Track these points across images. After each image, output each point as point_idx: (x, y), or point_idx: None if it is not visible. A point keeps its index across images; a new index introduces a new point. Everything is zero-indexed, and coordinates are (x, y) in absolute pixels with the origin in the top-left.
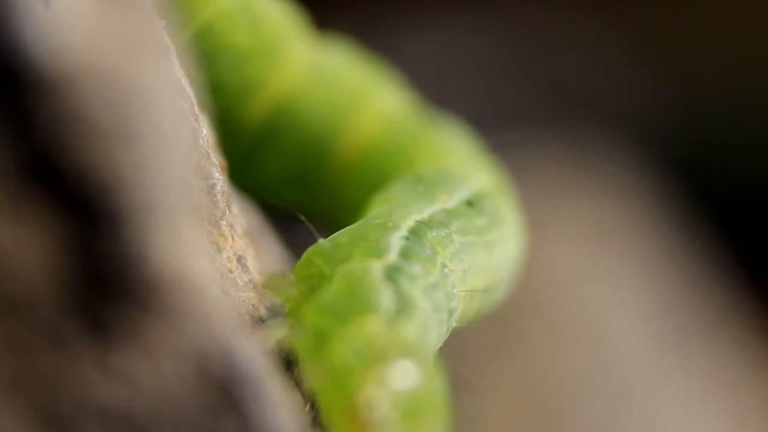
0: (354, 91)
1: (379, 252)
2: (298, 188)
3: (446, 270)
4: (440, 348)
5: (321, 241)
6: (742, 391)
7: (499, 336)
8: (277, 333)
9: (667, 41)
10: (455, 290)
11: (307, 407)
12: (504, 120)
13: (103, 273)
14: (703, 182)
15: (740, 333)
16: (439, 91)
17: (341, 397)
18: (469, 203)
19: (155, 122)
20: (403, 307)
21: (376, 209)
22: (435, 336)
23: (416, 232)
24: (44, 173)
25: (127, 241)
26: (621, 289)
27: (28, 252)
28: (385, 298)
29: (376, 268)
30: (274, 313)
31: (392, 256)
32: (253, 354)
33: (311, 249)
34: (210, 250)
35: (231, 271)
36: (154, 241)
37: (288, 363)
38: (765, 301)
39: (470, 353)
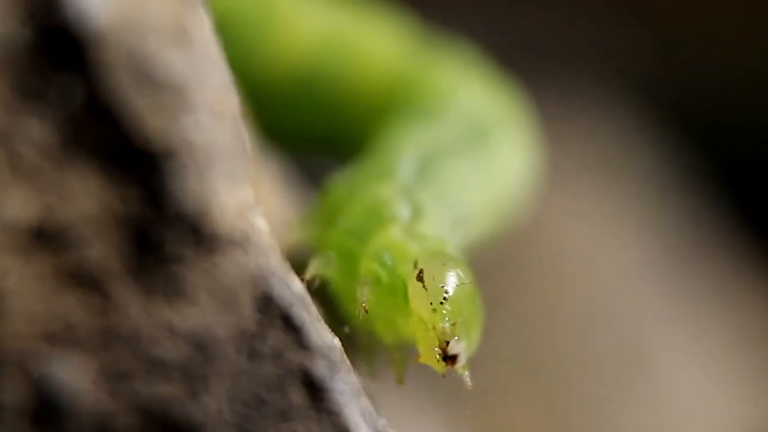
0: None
1: (389, 175)
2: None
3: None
4: None
5: (335, 176)
6: (748, 346)
7: (500, 281)
8: (312, 265)
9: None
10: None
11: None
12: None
13: (165, 209)
14: (702, 135)
15: (745, 280)
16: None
17: (383, 307)
18: (466, 135)
19: (196, 70)
20: (417, 213)
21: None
22: (455, 234)
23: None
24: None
25: (192, 177)
26: (620, 236)
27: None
28: (398, 209)
29: (387, 187)
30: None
31: (401, 177)
32: (299, 284)
33: (327, 186)
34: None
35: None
36: (216, 176)
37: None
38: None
39: None
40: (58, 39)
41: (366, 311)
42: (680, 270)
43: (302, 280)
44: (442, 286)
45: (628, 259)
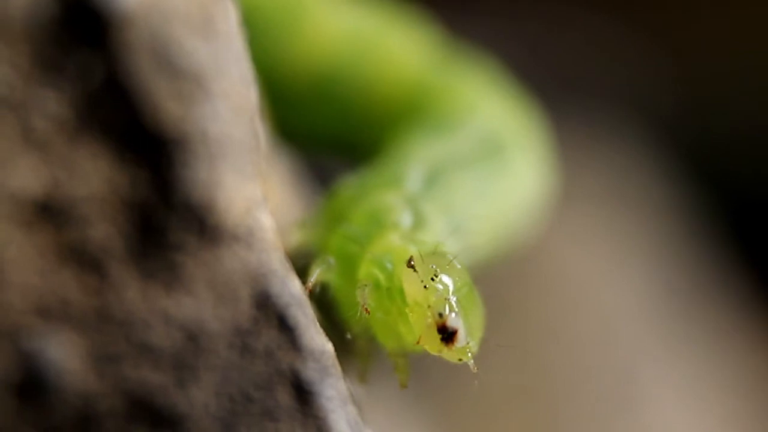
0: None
1: (396, 183)
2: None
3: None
4: None
5: (344, 181)
6: (741, 392)
7: (498, 299)
8: (314, 270)
9: (685, 38)
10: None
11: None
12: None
13: (172, 196)
14: (716, 179)
15: (744, 327)
16: None
17: (380, 309)
18: (480, 148)
19: (218, 61)
20: (419, 222)
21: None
22: (455, 245)
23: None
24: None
25: (202, 168)
26: (623, 269)
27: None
28: (400, 217)
29: (393, 195)
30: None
31: (408, 186)
32: (298, 285)
33: (334, 189)
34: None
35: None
36: (226, 169)
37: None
38: None
39: None
40: (84, 16)
41: (367, 311)
42: (679, 309)
43: (306, 288)
44: (432, 266)
45: (628, 293)
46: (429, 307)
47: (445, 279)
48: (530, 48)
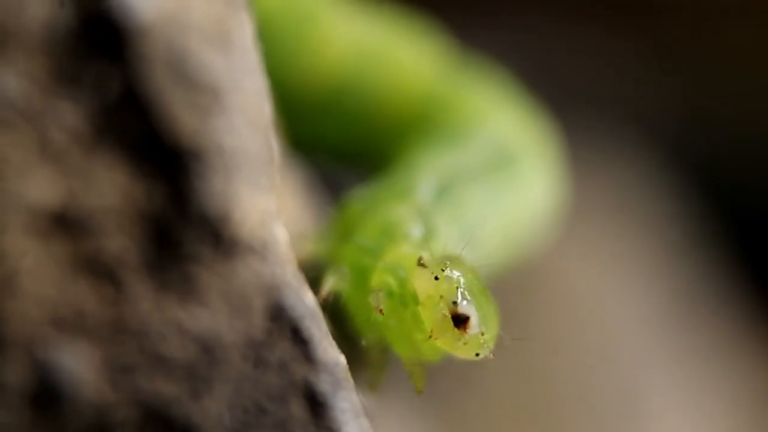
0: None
1: (407, 195)
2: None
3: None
4: None
5: (355, 193)
6: (745, 406)
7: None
8: (327, 281)
9: (692, 54)
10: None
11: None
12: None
13: (188, 208)
14: (721, 194)
15: (748, 341)
16: None
17: (394, 319)
18: (492, 160)
19: (234, 74)
20: (429, 234)
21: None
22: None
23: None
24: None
25: (217, 180)
26: (629, 283)
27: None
28: (411, 229)
29: (404, 207)
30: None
31: (419, 198)
32: (311, 297)
33: (346, 201)
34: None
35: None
36: (241, 181)
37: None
38: None
39: None
40: (101, 28)
41: (381, 312)
42: (684, 324)
43: (320, 298)
44: (442, 260)
45: (633, 307)
46: (441, 297)
47: (456, 271)
48: (539, 61)
